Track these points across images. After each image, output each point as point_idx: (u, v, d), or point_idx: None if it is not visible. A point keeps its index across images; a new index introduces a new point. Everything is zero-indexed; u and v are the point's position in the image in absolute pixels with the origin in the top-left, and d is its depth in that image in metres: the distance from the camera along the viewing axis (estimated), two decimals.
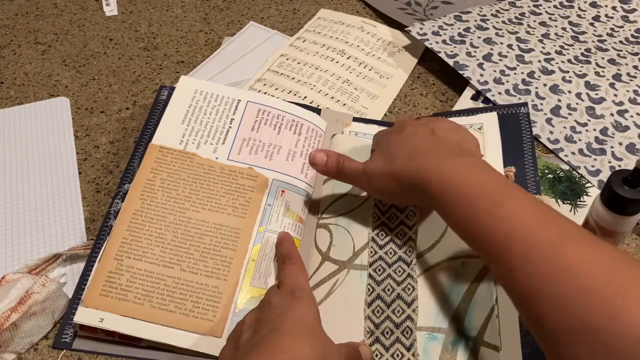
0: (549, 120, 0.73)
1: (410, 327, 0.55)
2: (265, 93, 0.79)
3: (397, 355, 0.54)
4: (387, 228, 0.61)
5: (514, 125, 0.70)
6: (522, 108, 0.72)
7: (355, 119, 0.74)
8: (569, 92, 0.76)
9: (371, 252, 0.60)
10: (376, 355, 0.54)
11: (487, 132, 0.70)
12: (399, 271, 0.58)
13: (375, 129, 0.71)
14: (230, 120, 0.70)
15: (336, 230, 0.63)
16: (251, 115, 0.70)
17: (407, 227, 0.61)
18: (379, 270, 0.59)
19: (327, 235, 0.63)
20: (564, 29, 0.87)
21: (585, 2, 0.92)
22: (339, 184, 0.66)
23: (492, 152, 0.68)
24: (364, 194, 0.64)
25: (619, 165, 0.69)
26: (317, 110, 0.74)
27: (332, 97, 0.79)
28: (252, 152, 0.67)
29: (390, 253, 0.60)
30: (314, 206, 0.66)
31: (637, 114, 0.74)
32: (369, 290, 0.58)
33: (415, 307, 0.56)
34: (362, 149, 0.69)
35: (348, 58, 0.85)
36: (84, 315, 0.56)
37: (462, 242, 0.59)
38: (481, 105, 0.76)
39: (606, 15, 0.90)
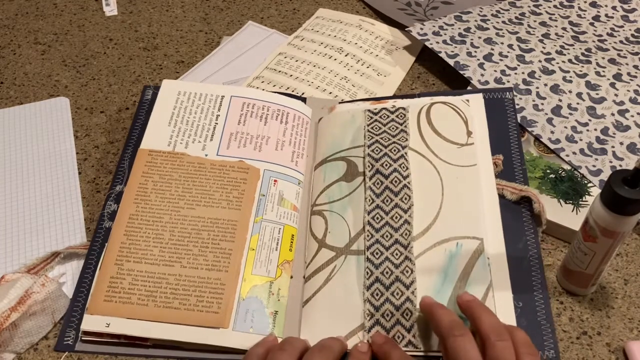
0: (549, 120, 0.73)
1: (410, 309, 0.55)
2: (263, 90, 0.79)
3: (398, 337, 0.54)
4: (382, 211, 0.62)
5: (500, 111, 0.70)
6: (508, 93, 0.72)
7: (342, 103, 0.74)
8: (570, 92, 0.76)
9: (367, 235, 0.60)
10: None
11: (473, 108, 0.70)
12: (397, 254, 0.59)
13: (363, 105, 0.71)
14: (215, 116, 0.70)
15: (330, 216, 0.63)
16: (236, 110, 0.71)
17: (403, 210, 0.61)
18: (377, 253, 0.59)
19: (322, 222, 0.63)
20: (564, 28, 0.87)
21: (585, 2, 0.92)
22: (330, 170, 0.66)
23: (479, 131, 0.68)
24: (358, 179, 0.65)
25: (620, 165, 0.69)
26: (302, 99, 0.75)
27: (330, 93, 0.79)
28: (241, 145, 0.68)
29: (387, 236, 0.60)
30: (307, 193, 0.66)
31: (638, 113, 0.74)
32: (367, 273, 0.58)
33: (414, 289, 0.56)
34: (348, 124, 0.69)
35: (346, 55, 0.85)
36: (89, 323, 0.56)
37: (456, 224, 0.60)
38: None
39: (606, 15, 0.89)
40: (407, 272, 0.57)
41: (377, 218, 0.61)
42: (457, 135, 0.67)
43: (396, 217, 0.61)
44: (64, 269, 0.63)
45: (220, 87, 0.74)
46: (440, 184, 0.63)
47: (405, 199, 0.62)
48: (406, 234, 0.60)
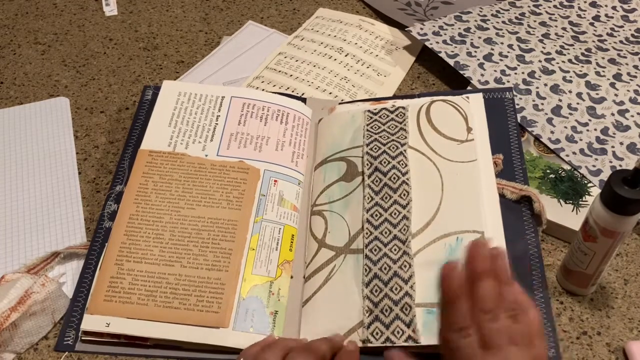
0: (549, 120, 0.73)
1: (409, 303, 0.55)
2: (262, 90, 0.79)
3: (398, 332, 0.54)
4: (381, 208, 0.62)
5: (500, 111, 0.70)
6: (508, 93, 0.72)
7: (341, 104, 0.74)
8: (570, 92, 0.76)
9: (366, 233, 0.60)
10: (377, 333, 0.55)
11: (473, 107, 0.70)
12: (395, 249, 0.59)
13: (363, 106, 0.71)
14: (216, 117, 0.70)
15: (330, 216, 0.63)
16: (236, 110, 0.71)
17: (401, 206, 0.61)
18: (375, 250, 0.59)
19: (321, 222, 0.63)
20: (564, 29, 0.87)
21: (585, 2, 0.92)
22: (330, 170, 0.67)
23: (479, 130, 0.68)
24: (357, 179, 0.65)
25: (620, 165, 0.69)
26: (302, 99, 0.75)
27: (330, 93, 0.79)
28: (241, 146, 0.68)
29: (386, 233, 0.60)
30: (307, 193, 0.66)
31: (638, 113, 0.74)
32: (365, 270, 0.58)
33: (412, 284, 0.56)
34: (348, 125, 0.70)
35: (346, 55, 0.85)
36: (89, 323, 0.56)
37: (456, 219, 0.60)
38: None
39: (606, 15, 0.89)
40: (405, 267, 0.58)
41: (376, 215, 0.61)
42: (457, 132, 0.67)
43: (395, 214, 0.61)
44: (64, 269, 0.63)
45: (221, 88, 0.74)
46: (440, 181, 0.63)
47: (404, 195, 0.62)
48: (405, 230, 0.60)
